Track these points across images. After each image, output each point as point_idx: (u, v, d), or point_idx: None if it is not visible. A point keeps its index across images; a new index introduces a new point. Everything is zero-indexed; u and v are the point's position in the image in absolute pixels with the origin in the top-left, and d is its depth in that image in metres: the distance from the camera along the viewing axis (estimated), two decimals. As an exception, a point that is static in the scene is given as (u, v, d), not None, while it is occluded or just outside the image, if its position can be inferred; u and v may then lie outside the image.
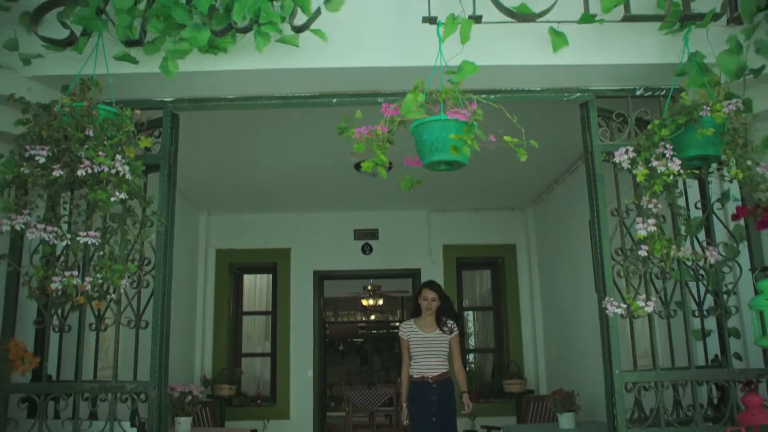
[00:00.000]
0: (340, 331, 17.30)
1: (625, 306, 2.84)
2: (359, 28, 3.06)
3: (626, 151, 2.85)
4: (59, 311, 3.02)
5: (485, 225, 7.63)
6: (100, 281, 2.70)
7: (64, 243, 2.73)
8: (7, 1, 2.87)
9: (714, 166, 2.98)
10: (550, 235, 7.06)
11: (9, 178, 2.67)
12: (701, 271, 3.08)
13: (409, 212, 7.61)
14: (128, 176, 2.68)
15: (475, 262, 7.92)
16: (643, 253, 2.82)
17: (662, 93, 3.25)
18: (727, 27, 2.98)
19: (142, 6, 2.91)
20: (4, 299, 3.01)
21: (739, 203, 3.10)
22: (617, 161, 2.88)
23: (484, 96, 2.62)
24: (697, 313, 3.10)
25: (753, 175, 2.74)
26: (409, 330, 5.03)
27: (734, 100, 2.75)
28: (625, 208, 3.12)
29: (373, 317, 15.94)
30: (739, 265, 3.04)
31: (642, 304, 2.80)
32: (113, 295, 2.88)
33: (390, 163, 2.58)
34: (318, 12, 2.89)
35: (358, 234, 7.63)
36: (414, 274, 7.63)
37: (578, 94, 3.27)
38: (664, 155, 2.77)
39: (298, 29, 2.91)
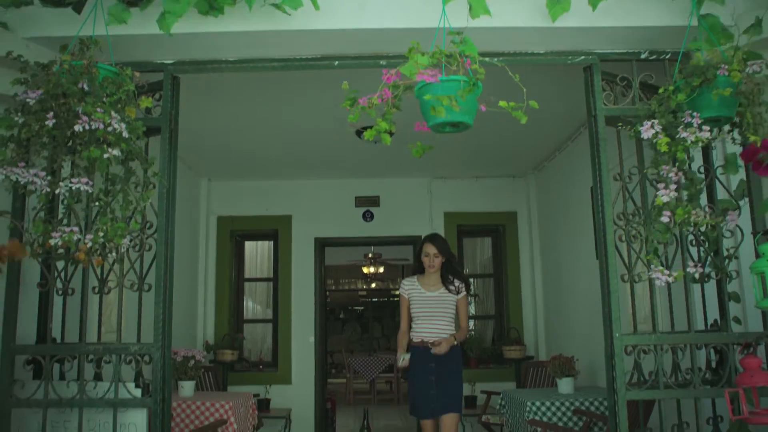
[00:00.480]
0: (341, 299, 17.43)
1: (671, 276, 2.83)
2: (361, -11, 3.02)
3: (652, 125, 2.79)
4: (62, 274, 3.03)
5: (486, 192, 7.63)
6: (102, 239, 2.70)
7: (56, 191, 2.70)
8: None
9: (726, 127, 2.95)
10: (551, 202, 7.06)
11: (7, 135, 2.66)
12: (702, 237, 3.08)
13: (410, 179, 7.61)
14: (125, 134, 2.66)
15: (476, 229, 7.93)
16: (665, 219, 2.79)
17: (667, 56, 3.21)
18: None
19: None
20: (8, 260, 3.01)
21: (742, 170, 3.09)
22: (644, 137, 2.82)
23: (487, 59, 2.59)
24: (697, 278, 3.10)
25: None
26: (410, 287, 4.57)
27: (759, 61, 2.72)
28: (628, 173, 3.12)
29: (374, 285, 16.03)
30: (740, 229, 3.04)
31: (692, 270, 2.87)
32: (114, 255, 2.87)
33: (393, 131, 2.55)
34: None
35: (359, 201, 7.63)
36: (415, 241, 7.63)
37: (582, 58, 3.23)
38: (691, 124, 2.72)
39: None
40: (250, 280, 8.08)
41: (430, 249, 4.47)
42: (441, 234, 4.85)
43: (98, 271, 3.09)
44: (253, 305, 8.28)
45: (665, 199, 2.78)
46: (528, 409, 4.77)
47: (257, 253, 8.18)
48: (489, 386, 6.88)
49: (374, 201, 7.63)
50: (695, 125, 2.70)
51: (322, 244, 7.75)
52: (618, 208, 3.09)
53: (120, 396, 2.97)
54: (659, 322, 3.08)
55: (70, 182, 2.67)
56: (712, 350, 3.10)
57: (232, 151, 6.58)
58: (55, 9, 2.95)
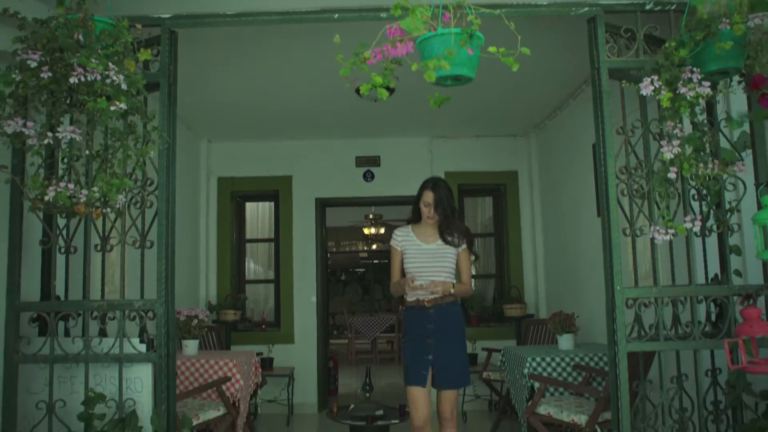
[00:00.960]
0: (342, 260, 17.52)
1: (672, 231, 2.83)
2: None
3: (651, 81, 2.77)
4: (64, 231, 3.03)
5: (487, 152, 7.60)
6: (97, 194, 2.69)
7: (44, 141, 2.68)
8: None
9: (736, 78, 2.92)
10: (552, 161, 7.04)
11: (7, 92, 2.63)
12: (704, 191, 3.07)
13: (410, 139, 7.56)
14: (124, 86, 2.64)
15: (477, 189, 7.91)
16: (672, 175, 2.79)
17: (673, 7, 3.16)
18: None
19: None
20: (9, 217, 3.02)
21: (747, 125, 3.07)
22: (644, 93, 2.80)
23: (488, 10, 2.55)
24: (698, 233, 3.10)
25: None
26: (404, 238, 3.92)
27: (761, 14, 2.67)
28: (630, 126, 3.09)
29: (374, 246, 16.09)
30: (743, 182, 3.03)
31: (690, 225, 2.82)
32: (110, 211, 2.85)
33: (392, 86, 2.49)
34: None
35: (360, 161, 7.60)
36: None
37: (586, 9, 3.17)
38: (691, 80, 2.70)
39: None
40: (251, 241, 8.09)
41: (430, 197, 3.81)
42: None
43: (100, 228, 3.09)
44: (255, 266, 8.31)
45: (669, 156, 2.77)
46: (528, 364, 4.82)
47: (258, 214, 8.18)
48: (490, 344, 6.96)
49: (375, 161, 7.60)
50: (695, 81, 2.68)
51: (323, 205, 7.75)
52: (620, 162, 3.07)
53: (125, 351, 3.00)
54: (660, 277, 3.09)
55: (57, 131, 2.65)
56: (712, 304, 3.12)
57: (231, 112, 6.53)
58: (51, -38, 2.90)
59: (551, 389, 4.80)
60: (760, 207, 2.86)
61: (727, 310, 3.02)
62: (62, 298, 3.18)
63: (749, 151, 3.08)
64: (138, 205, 3.05)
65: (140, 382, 3.07)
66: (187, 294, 6.78)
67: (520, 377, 4.91)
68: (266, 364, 6.83)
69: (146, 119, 2.88)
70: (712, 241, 3.18)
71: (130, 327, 3.07)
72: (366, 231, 14.27)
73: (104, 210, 2.81)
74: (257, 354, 5.98)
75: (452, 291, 3.77)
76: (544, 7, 3.21)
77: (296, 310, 7.48)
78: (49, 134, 2.66)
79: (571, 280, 6.44)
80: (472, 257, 4.00)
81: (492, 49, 2.35)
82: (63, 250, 3.06)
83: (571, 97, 6.12)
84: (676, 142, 2.77)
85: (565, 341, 5.15)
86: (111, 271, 3.79)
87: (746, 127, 3.09)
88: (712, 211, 3.08)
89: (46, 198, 2.63)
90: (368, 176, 7.58)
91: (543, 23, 3.47)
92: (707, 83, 2.71)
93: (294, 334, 7.43)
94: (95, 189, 2.68)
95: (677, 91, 2.72)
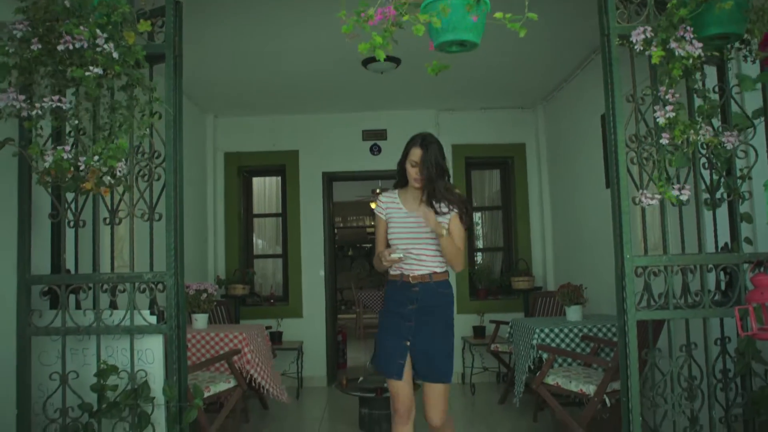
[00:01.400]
0: (349, 236, 17.55)
1: (659, 196, 2.81)
2: None
3: (644, 31, 2.75)
4: (72, 204, 3.04)
5: (495, 124, 7.55)
6: (96, 163, 2.67)
7: (32, 112, 2.65)
8: None
9: (737, 45, 2.87)
10: (560, 133, 6.99)
11: (11, 63, 2.61)
12: (714, 159, 3.04)
13: (417, 112, 7.52)
14: (115, 54, 2.61)
15: (484, 161, 7.88)
16: (664, 141, 2.76)
17: (684, -29, 3.10)
18: None
19: None
20: (18, 190, 3.02)
21: (758, 89, 3.02)
22: (633, 41, 2.77)
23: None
24: (709, 201, 3.08)
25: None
26: (389, 204, 3.37)
27: None
28: (641, 93, 3.05)
29: (381, 222, 16.06)
30: (755, 149, 3.00)
31: (677, 192, 2.79)
32: (110, 179, 2.83)
33: (389, 48, 2.45)
34: None
35: (367, 135, 7.57)
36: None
37: (595, -26, 3.12)
38: (683, 37, 2.66)
39: None
40: (258, 215, 8.11)
41: (417, 155, 3.20)
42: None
43: (108, 202, 3.09)
44: (263, 241, 8.33)
45: (661, 120, 2.74)
46: (536, 335, 4.84)
47: (265, 189, 8.19)
48: (497, 316, 6.99)
49: (381, 134, 7.57)
50: (687, 39, 2.63)
51: (330, 179, 7.74)
52: (630, 130, 3.04)
53: (136, 323, 3.02)
54: (669, 246, 3.07)
55: (42, 101, 2.63)
56: (722, 272, 3.10)
57: (237, 87, 6.50)
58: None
59: (559, 360, 4.82)
60: (772, 173, 2.83)
61: (738, 278, 3.00)
62: (72, 272, 3.20)
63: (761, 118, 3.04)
64: (146, 177, 3.05)
65: (151, 353, 3.09)
66: (196, 269, 6.81)
67: (528, 348, 4.92)
68: (275, 338, 6.88)
69: (147, 90, 2.86)
70: (723, 210, 3.15)
71: (141, 299, 3.08)
72: (373, 205, 14.25)
73: (110, 180, 2.79)
74: (267, 328, 6.02)
75: (444, 234, 3.13)
76: (552, -27, 3.16)
77: (304, 284, 7.51)
78: (37, 105, 2.64)
79: (578, 253, 6.44)
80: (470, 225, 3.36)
81: (498, 15, 2.31)
82: (72, 223, 3.06)
83: (579, 68, 6.06)
84: (669, 108, 2.74)
85: (574, 312, 5.16)
86: (120, 246, 3.79)
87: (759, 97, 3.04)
88: (723, 180, 3.04)
89: (45, 164, 2.62)
90: (375, 150, 7.56)
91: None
92: (698, 43, 2.66)
93: (302, 308, 7.48)
94: (95, 157, 2.66)
95: (669, 48, 2.68)
